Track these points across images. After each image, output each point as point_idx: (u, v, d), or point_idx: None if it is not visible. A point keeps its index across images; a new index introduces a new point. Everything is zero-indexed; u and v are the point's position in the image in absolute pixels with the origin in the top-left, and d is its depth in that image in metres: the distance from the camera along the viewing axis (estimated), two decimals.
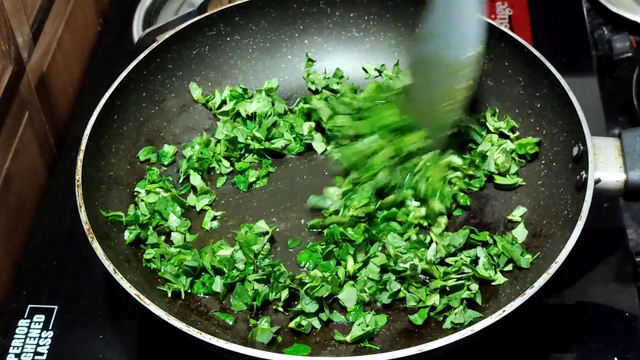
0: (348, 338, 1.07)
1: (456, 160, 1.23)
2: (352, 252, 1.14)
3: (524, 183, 1.23)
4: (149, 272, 1.14)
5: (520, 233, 1.17)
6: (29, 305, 1.22)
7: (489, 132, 1.29)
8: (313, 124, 1.32)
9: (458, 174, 1.23)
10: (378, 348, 1.06)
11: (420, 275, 1.12)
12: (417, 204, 1.20)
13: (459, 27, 1.15)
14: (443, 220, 1.18)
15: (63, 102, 1.50)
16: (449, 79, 1.16)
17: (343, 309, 1.11)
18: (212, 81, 1.38)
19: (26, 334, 1.19)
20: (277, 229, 1.20)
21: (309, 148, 1.31)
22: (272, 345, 1.06)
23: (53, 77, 1.45)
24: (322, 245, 1.16)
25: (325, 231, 1.17)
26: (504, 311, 0.96)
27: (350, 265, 1.13)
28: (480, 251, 1.14)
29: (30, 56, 1.36)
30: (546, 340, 1.16)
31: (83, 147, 1.16)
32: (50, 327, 1.19)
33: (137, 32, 1.60)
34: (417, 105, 1.23)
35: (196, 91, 1.36)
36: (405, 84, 1.29)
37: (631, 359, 1.14)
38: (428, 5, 1.18)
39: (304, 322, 1.08)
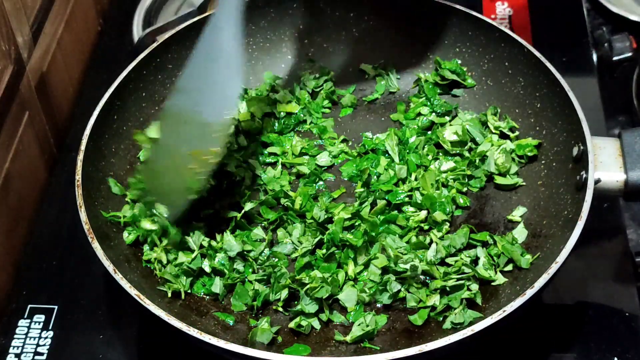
0: (348, 338, 1.07)
1: (446, 165, 1.23)
2: (352, 256, 1.14)
3: (524, 183, 1.23)
4: (149, 272, 1.14)
5: (520, 233, 1.17)
6: (29, 305, 1.22)
7: (489, 132, 1.29)
8: None
9: (453, 175, 1.23)
10: (378, 348, 1.06)
11: (420, 276, 1.12)
12: (413, 209, 1.20)
13: (219, 86, 1.09)
14: (445, 226, 1.18)
15: (63, 102, 1.50)
16: (202, 139, 1.08)
17: (343, 309, 1.11)
18: None
19: (26, 334, 1.19)
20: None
21: None
22: (272, 345, 1.06)
23: (53, 77, 1.45)
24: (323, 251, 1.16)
25: (325, 236, 1.17)
26: (504, 311, 0.96)
27: (351, 269, 1.13)
28: (480, 251, 1.14)
29: (30, 56, 1.36)
30: (546, 340, 1.16)
31: (83, 147, 1.16)
32: (50, 327, 1.19)
33: (137, 32, 1.60)
34: (161, 168, 1.14)
35: None
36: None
37: (631, 359, 1.14)
38: (190, 56, 1.12)
39: (303, 323, 1.08)
